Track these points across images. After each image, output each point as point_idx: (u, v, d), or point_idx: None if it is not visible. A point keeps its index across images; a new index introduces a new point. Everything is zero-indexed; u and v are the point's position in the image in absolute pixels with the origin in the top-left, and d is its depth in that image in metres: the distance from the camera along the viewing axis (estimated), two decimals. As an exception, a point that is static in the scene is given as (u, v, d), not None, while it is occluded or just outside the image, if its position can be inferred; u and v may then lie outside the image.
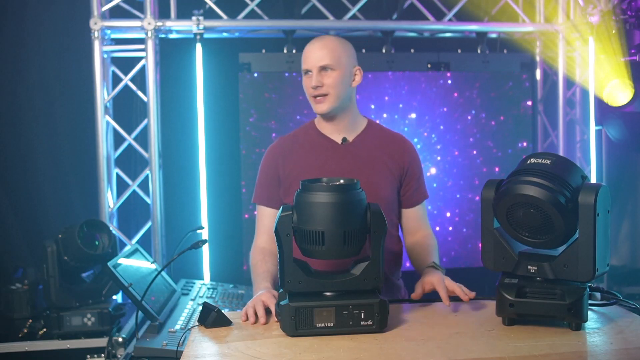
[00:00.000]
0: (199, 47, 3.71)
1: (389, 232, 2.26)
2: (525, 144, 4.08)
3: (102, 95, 3.59)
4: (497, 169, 4.03)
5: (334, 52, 2.19)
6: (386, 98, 3.92)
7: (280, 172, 2.27)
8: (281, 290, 1.79)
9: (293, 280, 1.74)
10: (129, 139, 3.73)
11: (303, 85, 2.25)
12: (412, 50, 4.04)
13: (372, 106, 3.90)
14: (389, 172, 2.26)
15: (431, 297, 2.13)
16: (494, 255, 1.81)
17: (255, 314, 1.85)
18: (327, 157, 2.25)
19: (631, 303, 1.89)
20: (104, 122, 3.61)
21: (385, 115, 3.91)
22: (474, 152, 4.02)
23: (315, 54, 2.20)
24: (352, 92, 2.26)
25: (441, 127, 3.97)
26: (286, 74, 3.81)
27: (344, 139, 2.26)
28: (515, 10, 4.11)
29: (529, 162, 1.74)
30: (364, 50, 3.94)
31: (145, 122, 3.67)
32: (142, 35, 3.62)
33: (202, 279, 3.65)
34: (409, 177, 2.30)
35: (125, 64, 3.77)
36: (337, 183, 1.79)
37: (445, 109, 3.97)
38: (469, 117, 4.00)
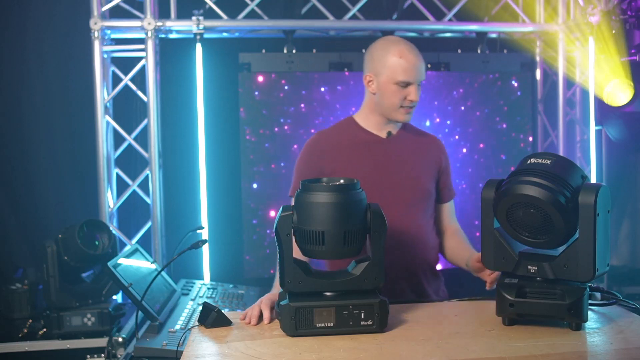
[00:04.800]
0: (199, 47, 3.71)
1: (429, 224, 2.37)
2: (524, 144, 4.08)
3: (102, 95, 3.59)
4: (495, 169, 4.03)
5: (425, 66, 2.30)
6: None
7: (324, 165, 2.30)
8: (281, 290, 1.79)
9: (293, 280, 1.74)
10: (129, 139, 3.73)
11: (390, 94, 2.26)
12: (412, 50, 4.04)
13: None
14: (428, 167, 2.36)
15: (431, 297, 2.13)
16: (494, 255, 1.81)
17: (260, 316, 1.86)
18: (373, 150, 2.32)
19: (631, 303, 1.89)
20: (104, 122, 3.61)
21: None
22: (473, 151, 4.02)
23: (420, 69, 2.26)
24: None
25: (444, 128, 3.97)
26: (286, 74, 3.81)
27: (389, 133, 2.34)
28: (515, 10, 4.11)
29: (529, 162, 1.74)
30: (364, 50, 3.92)
31: (145, 122, 3.67)
32: (142, 35, 3.62)
33: (202, 279, 3.65)
34: (445, 175, 2.41)
35: (125, 64, 3.77)
36: (337, 183, 1.79)
37: (444, 110, 3.97)
38: (469, 118, 4.00)
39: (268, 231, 3.82)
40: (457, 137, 3.99)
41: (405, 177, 2.30)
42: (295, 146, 3.80)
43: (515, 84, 4.05)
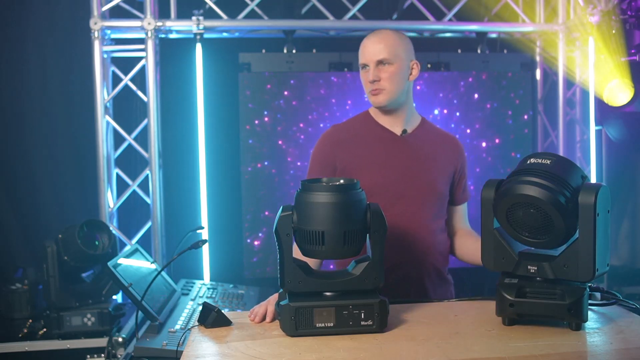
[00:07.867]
0: (199, 47, 3.71)
1: (440, 226, 2.31)
2: (525, 144, 4.08)
3: (102, 95, 3.59)
4: (497, 170, 4.03)
5: (391, 46, 2.20)
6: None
7: (337, 161, 2.26)
8: (281, 290, 1.79)
9: (293, 280, 1.74)
10: (129, 139, 3.73)
11: (361, 78, 2.28)
12: (412, 50, 4.04)
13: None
14: (444, 168, 2.30)
15: (432, 297, 2.13)
16: (494, 255, 1.81)
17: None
18: (387, 148, 2.27)
19: (631, 303, 1.89)
20: (104, 122, 3.61)
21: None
22: (472, 151, 4.02)
23: (372, 49, 2.21)
24: (409, 86, 2.28)
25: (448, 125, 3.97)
26: (286, 74, 3.81)
27: (404, 131, 2.28)
28: (515, 10, 4.11)
29: (528, 162, 1.74)
30: (364, 50, 3.94)
31: (145, 122, 3.67)
32: (142, 35, 3.62)
33: (202, 279, 3.65)
34: (461, 177, 2.35)
35: (125, 64, 3.77)
36: (337, 183, 1.79)
37: (444, 110, 3.97)
38: (468, 118, 4.00)
39: (254, 239, 3.82)
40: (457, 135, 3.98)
41: (417, 177, 2.24)
42: (280, 141, 3.80)
43: (515, 84, 4.04)
